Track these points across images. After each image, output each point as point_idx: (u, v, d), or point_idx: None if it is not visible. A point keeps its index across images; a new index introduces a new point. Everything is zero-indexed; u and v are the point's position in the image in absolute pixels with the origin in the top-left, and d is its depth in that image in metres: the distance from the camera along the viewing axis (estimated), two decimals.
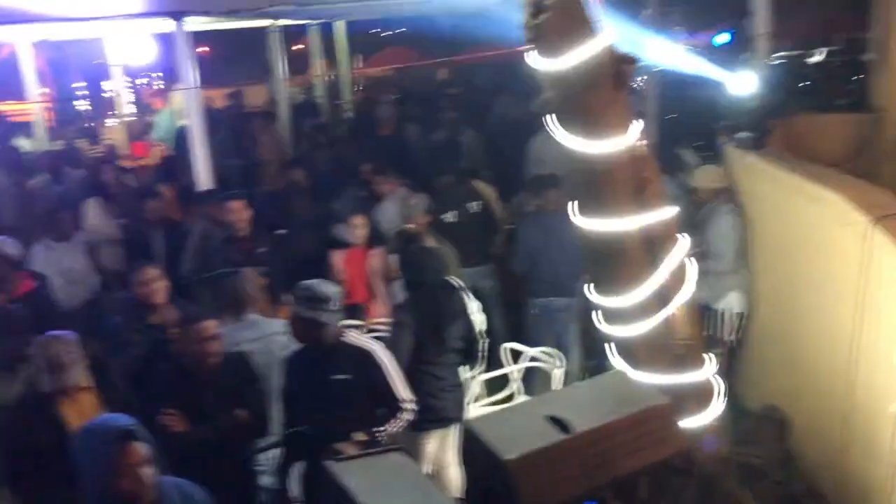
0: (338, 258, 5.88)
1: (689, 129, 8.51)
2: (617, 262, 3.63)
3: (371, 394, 3.77)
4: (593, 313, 3.90)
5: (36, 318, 4.44)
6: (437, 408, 4.30)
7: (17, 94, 13.23)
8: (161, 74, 20.17)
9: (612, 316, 3.77)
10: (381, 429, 3.72)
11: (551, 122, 3.51)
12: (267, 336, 4.30)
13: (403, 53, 20.25)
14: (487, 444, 2.69)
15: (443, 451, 4.51)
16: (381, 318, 5.71)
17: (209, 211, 6.30)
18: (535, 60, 3.42)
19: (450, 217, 6.10)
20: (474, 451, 2.79)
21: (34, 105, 11.26)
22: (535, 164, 7.06)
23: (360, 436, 3.63)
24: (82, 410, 3.57)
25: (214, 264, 5.74)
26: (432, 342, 4.31)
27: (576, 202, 3.67)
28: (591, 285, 3.79)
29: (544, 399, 3.23)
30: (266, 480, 4.20)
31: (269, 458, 4.20)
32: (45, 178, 7.99)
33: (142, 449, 2.70)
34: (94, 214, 7.03)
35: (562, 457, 2.70)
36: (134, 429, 2.72)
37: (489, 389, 5.36)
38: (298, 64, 14.27)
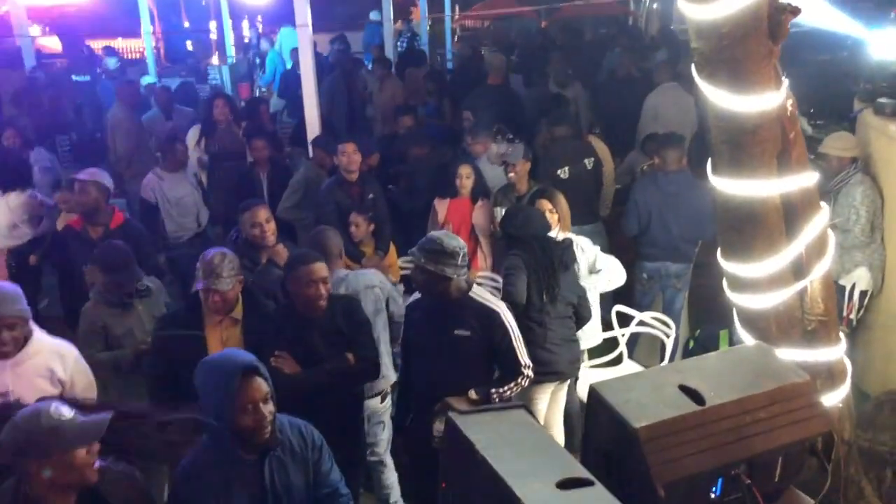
0: (441, 207, 5.79)
1: (806, 94, 7.99)
2: (754, 227, 3.40)
3: (491, 353, 3.69)
4: (722, 281, 3.70)
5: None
6: (547, 360, 4.20)
7: (128, 32, 13.65)
8: (261, 18, 20.36)
9: (742, 285, 3.56)
10: (499, 390, 3.64)
11: (696, 75, 3.28)
12: (357, 292, 4.17)
13: (501, 4, 19.85)
14: (614, 410, 2.57)
15: (550, 409, 4.43)
16: (483, 271, 5.63)
17: (316, 155, 6.30)
18: (685, 7, 3.18)
19: (562, 173, 5.89)
20: (598, 416, 2.67)
21: (146, 42, 11.52)
22: (651, 122, 6.79)
23: (474, 394, 3.57)
24: (227, 341, 3.65)
25: (322, 208, 5.76)
26: (543, 291, 4.19)
27: (714, 161, 3.45)
28: (723, 251, 3.58)
29: (675, 367, 3.08)
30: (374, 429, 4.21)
31: (378, 407, 4.20)
32: (157, 114, 8.16)
33: (263, 385, 2.69)
34: (191, 143, 7.16)
35: (694, 429, 2.55)
36: (257, 364, 2.71)
37: (591, 352, 5.24)
38: (398, 14, 14.15)
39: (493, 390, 3.62)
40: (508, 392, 3.66)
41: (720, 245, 3.65)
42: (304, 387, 3.60)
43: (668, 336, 4.95)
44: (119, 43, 13.21)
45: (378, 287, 4.22)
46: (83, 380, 3.51)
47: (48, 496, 2.37)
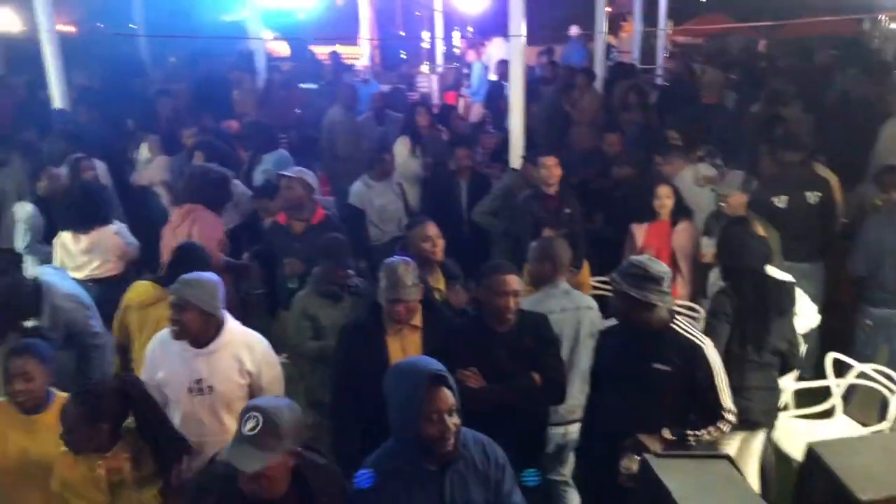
0: (639, 232, 5.53)
1: None
2: None
3: (690, 392, 3.40)
4: None
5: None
6: (743, 408, 3.81)
7: (349, 38, 14.45)
8: (471, 29, 20.80)
9: None
10: (696, 433, 3.36)
11: None
12: (578, 309, 4.04)
13: (719, 20, 18.92)
14: (837, 477, 2.26)
15: (741, 458, 4.06)
16: (682, 299, 5.31)
17: (525, 168, 6.23)
18: None
19: (780, 202, 5.43)
20: (815, 479, 2.37)
21: (364, 49, 12.09)
22: (886, 153, 6.12)
23: (668, 433, 3.32)
24: (406, 348, 3.64)
25: (518, 220, 5.71)
26: (752, 337, 3.85)
27: None
28: None
29: None
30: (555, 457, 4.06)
31: (560, 434, 4.05)
32: (370, 117, 8.50)
33: (450, 396, 2.61)
34: (401, 152, 7.37)
35: None
36: (445, 374, 2.65)
37: (798, 400, 4.78)
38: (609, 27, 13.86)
39: (690, 432, 3.36)
40: (706, 436, 3.38)
41: None
42: (486, 402, 3.50)
43: (892, 393, 4.39)
44: (337, 48, 13.97)
45: (595, 310, 4.06)
46: (270, 372, 3.60)
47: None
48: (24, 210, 5.91)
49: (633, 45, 12.73)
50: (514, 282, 3.57)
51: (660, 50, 12.43)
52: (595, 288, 5.63)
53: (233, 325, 3.57)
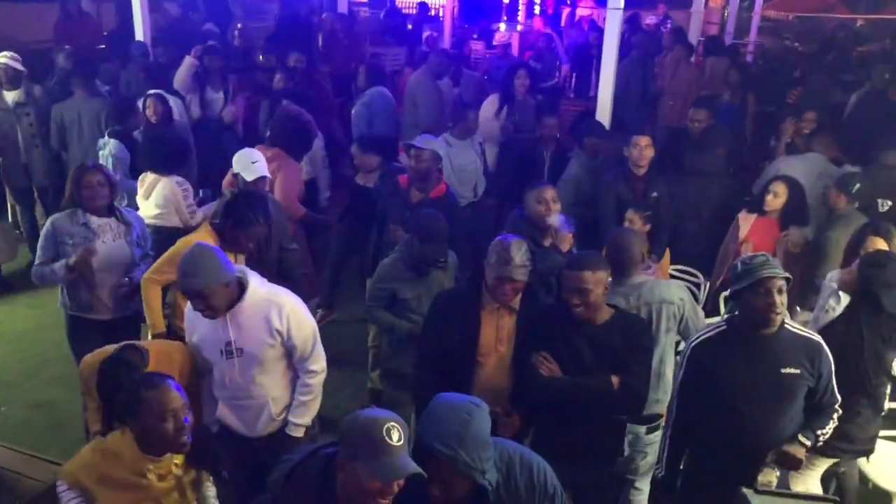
0: (745, 222, 5.23)
1: None
2: None
3: (809, 391, 3.25)
4: None
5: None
6: (848, 434, 3.65)
7: None
8: None
9: None
10: (822, 431, 3.24)
11: None
12: (652, 304, 3.73)
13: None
14: None
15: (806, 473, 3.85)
16: None
17: (591, 142, 5.91)
18: None
19: (883, 206, 5.05)
20: None
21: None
22: None
23: (805, 439, 3.18)
24: (500, 331, 3.51)
25: (601, 199, 5.47)
26: (871, 365, 3.60)
27: None
28: None
29: None
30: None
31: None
32: (447, 82, 8.20)
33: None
34: (486, 111, 7.12)
35: None
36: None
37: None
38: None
39: (820, 432, 3.24)
40: (828, 433, 3.27)
41: None
42: (557, 393, 3.34)
43: None
44: None
45: (676, 304, 3.77)
46: (301, 330, 3.43)
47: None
48: (108, 146, 5.91)
49: (725, 17, 12.12)
50: (589, 279, 3.23)
51: (754, 25, 11.78)
52: (672, 277, 5.39)
53: (257, 284, 3.42)
